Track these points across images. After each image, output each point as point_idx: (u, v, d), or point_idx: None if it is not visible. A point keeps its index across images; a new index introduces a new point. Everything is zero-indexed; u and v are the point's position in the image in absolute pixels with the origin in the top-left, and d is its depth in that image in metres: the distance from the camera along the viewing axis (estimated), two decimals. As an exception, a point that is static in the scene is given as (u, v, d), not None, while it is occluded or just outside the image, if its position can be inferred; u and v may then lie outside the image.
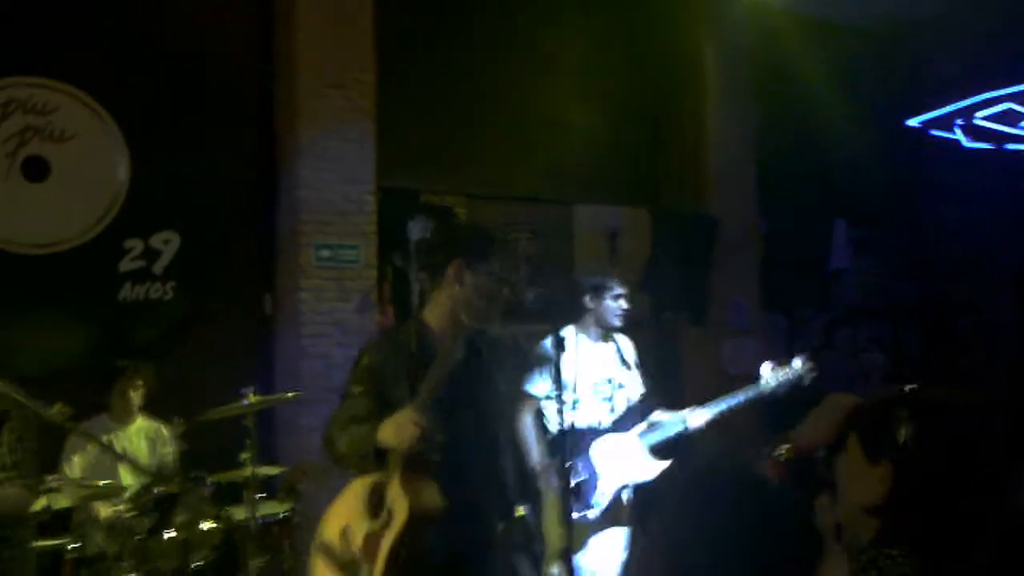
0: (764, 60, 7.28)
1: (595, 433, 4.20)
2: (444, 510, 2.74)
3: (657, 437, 4.23)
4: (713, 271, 6.91)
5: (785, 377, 4.13)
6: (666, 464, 4.18)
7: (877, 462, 1.68)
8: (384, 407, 2.81)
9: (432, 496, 2.73)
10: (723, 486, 1.43)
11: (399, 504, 2.69)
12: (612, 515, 4.27)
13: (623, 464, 4.14)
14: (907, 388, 1.78)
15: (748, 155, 7.29)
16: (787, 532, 1.37)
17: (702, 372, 6.91)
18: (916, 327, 7.95)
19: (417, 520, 2.69)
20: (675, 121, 7.28)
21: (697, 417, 4.21)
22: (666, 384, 6.82)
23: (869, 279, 8.01)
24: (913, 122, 7.74)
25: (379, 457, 2.77)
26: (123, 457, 3.07)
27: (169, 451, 4.80)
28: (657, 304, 6.88)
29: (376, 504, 2.77)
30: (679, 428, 4.22)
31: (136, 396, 4.82)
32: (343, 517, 2.88)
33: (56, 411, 2.75)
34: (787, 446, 1.95)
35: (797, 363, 4.17)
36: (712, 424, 4.20)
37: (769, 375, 4.15)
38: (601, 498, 4.10)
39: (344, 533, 2.84)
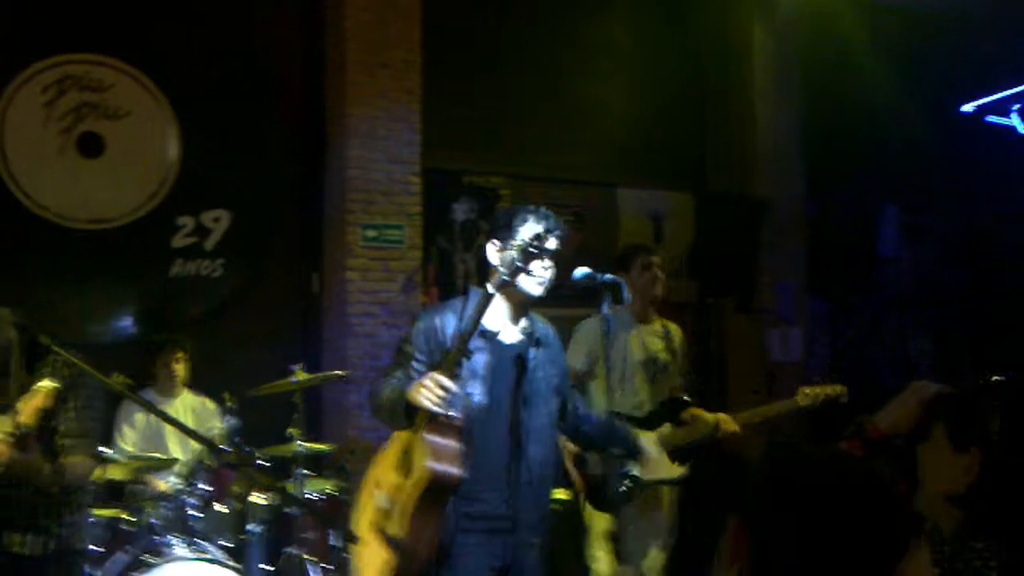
0: (814, 41, 7.16)
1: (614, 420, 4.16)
2: (460, 477, 2.79)
3: (684, 440, 4.20)
4: (759, 256, 6.83)
5: (823, 398, 4.15)
6: (683, 470, 4.16)
7: (963, 451, 1.66)
8: (432, 368, 2.89)
9: (452, 459, 2.79)
10: (813, 469, 1.39)
11: (419, 462, 2.78)
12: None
13: (648, 461, 4.09)
14: (995, 378, 1.74)
15: (796, 138, 7.19)
16: (878, 517, 1.34)
17: (747, 358, 6.86)
18: (965, 315, 7.82)
19: (433, 480, 2.75)
20: (722, 103, 7.20)
21: (729, 424, 4.18)
22: (710, 370, 6.81)
23: (918, 265, 7.89)
24: (968, 107, 7.57)
25: (411, 415, 2.85)
26: (181, 424, 3.12)
27: (216, 425, 4.87)
28: (702, 289, 6.84)
29: (406, 459, 2.88)
30: (708, 433, 4.19)
31: (180, 369, 4.89)
32: (378, 470, 3.02)
33: (117, 381, 2.81)
34: (864, 424, 1.93)
35: (835, 387, 4.19)
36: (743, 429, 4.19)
37: (808, 394, 4.17)
38: (620, 491, 4.05)
39: (379, 484, 2.96)
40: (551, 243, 2.93)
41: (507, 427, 2.95)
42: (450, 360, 2.81)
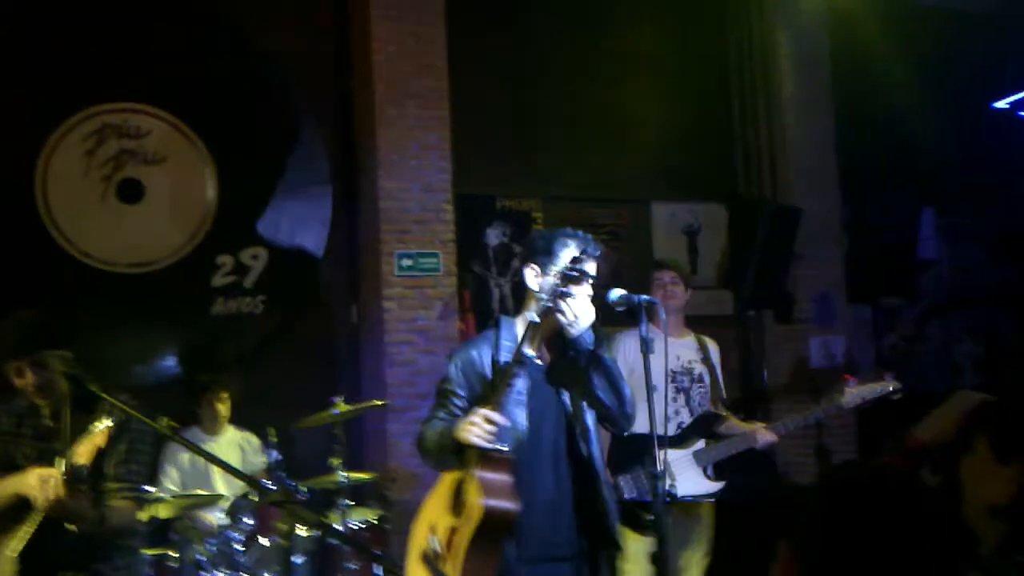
0: (843, 44, 7.09)
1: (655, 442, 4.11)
2: (516, 512, 2.76)
3: (720, 453, 4.14)
4: (797, 265, 6.76)
5: (870, 395, 4.05)
6: (719, 485, 4.12)
7: (1007, 462, 1.62)
8: (474, 401, 2.90)
9: (506, 495, 2.76)
10: (866, 492, 1.37)
11: (474, 501, 2.75)
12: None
13: (678, 480, 4.02)
14: None
15: (828, 143, 7.12)
16: (935, 541, 1.31)
17: (789, 369, 6.78)
18: (1010, 315, 7.65)
19: (488, 517, 2.72)
20: (751, 111, 7.15)
21: (766, 434, 4.13)
22: (752, 382, 6.74)
23: (959, 267, 7.75)
24: (1001, 104, 7.45)
25: (460, 453, 2.83)
26: (226, 464, 3.18)
27: (260, 460, 4.95)
28: (740, 301, 6.78)
29: (457, 500, 2.85)
30: (746, 445, 4.14)
31: (223, 408, 4.99)
32: (430, 513, 2.98)
33: (164, 424, 2.87)
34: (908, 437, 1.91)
35: (884, 383, 4.09)
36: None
37: (852, 392, 4.06)
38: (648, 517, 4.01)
39: (431, 529, 2.92)
40: (590, 266, 2.91)
41: (552, 449, 2.92)
42: (495, 393, 2.80)
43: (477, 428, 2.74)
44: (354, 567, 4.25)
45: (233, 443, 5.01)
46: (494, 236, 6.55)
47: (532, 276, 2.97)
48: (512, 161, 6.56)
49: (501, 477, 2.78)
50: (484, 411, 2.76)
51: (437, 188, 6.03)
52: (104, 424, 2.84)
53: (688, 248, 7.03)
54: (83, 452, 2.81)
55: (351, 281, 6.11)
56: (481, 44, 6.42)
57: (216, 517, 4.33)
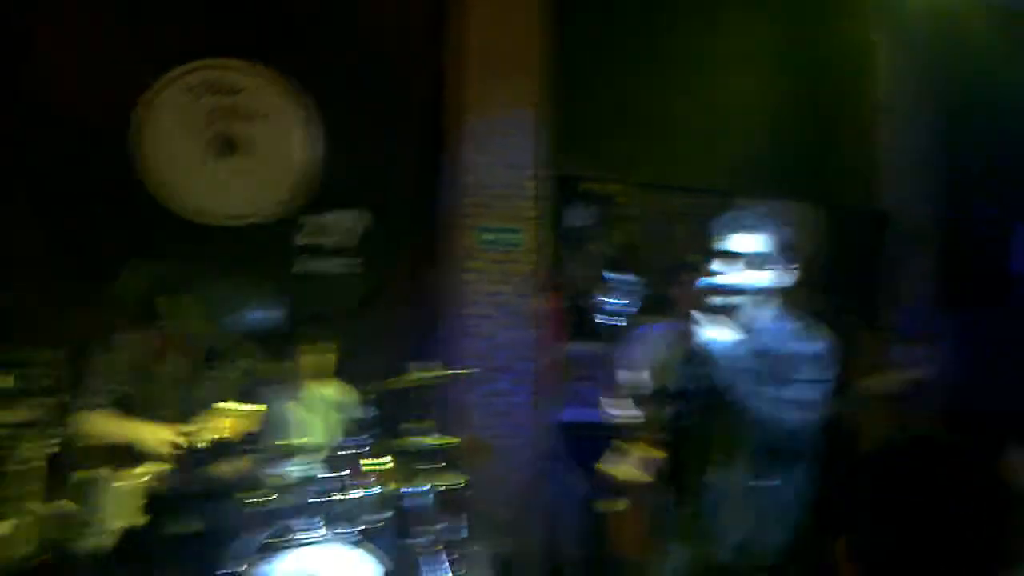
0: (946, 50, 6.94)
1: None
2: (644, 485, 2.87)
3: None
4: (887, 271, 6.63)
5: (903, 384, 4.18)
6: None
7: None
8: None
9: (645, 468, 2.92)
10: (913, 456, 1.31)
11: None
12: None
13: None
14: None
15: (927, 149, 6.98)
16: (978, 497, 1.25)
17: (872, 375, 6.64)
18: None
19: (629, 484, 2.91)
20: (848, 114, 7.05)
21: None
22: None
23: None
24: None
25: None
26: (328, 418, 3.19)
27: (355, 415, 4.89)
28: (826, 305, 6.64)
29: None
30: None
31: (324, 361, 4.95)
32: None
33: (286, 370, 2.88)
34: None
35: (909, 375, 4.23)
36: None
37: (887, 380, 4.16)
38: None
39: None
40: (736, 243, 2.85)
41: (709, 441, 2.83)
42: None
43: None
44: (435, 527, 4.24)
45: (327, 397, 5.00)
46: (576, 217, 6.51)
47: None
48: (600, 144, 6.52)
49: (650, 456, 2.91)
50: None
51: (523, 165, 6.01)
52: (257, 408, 2.84)
53: (773, 246, 6.90)
54: (231, 427, 2.81)
55: (435, 251, 6.11)
56: (581, 24, 6.38)
57: (300, 468, 4.32)
